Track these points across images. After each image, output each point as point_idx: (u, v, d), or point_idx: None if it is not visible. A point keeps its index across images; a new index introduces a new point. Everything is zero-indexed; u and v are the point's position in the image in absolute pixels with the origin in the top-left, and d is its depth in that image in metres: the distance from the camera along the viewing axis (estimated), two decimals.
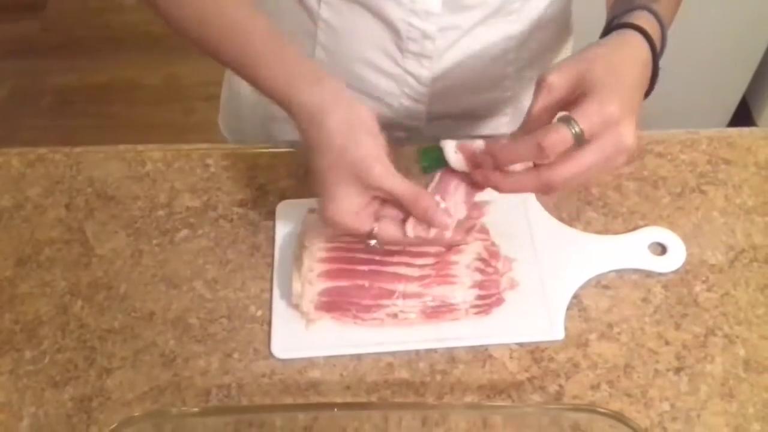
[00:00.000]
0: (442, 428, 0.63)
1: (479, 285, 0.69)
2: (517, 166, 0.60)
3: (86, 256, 0.74)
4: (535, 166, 0.58)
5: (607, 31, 0.65)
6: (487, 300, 0.69)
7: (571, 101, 0.58)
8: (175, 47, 2.21)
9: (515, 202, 0.75)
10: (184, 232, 0.76)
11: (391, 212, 0.64)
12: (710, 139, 0.83)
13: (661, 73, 0.64)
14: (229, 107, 1.00)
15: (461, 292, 0.69)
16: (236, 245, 0.75)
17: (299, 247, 0.72)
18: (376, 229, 0.62)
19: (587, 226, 0.76)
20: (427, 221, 0.62)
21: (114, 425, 0.58)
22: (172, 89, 2.22)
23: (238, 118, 0.97)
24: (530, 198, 0.76)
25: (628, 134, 0.57)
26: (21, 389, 0.66)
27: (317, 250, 0.70)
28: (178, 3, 0.67)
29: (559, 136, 0.55)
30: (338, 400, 0.65)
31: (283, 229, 0.75)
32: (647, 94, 0.63)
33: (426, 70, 0.80)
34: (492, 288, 0.70)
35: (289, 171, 0.80)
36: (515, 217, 0.75)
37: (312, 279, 0.69)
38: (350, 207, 0.61)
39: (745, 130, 0.85)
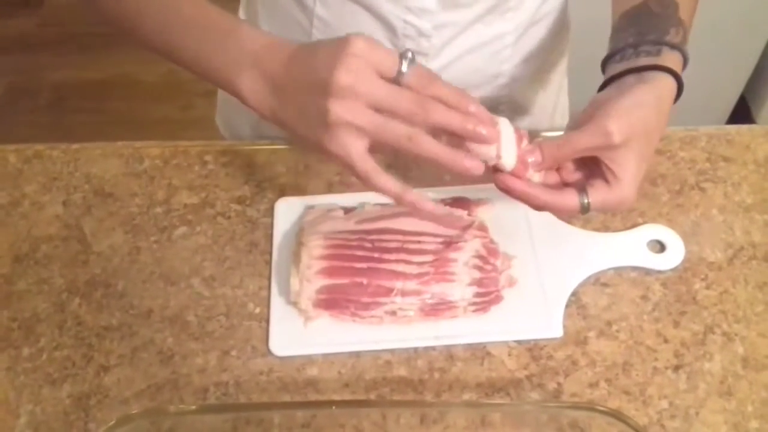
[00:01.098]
0: (441, 426, 0.63)
1: (478, 282, 0.69)
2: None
3: (84, 254, 0.74)
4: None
5: (626, 51, 0.64)
6: (486, 297, 0.69)
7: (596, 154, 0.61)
8: None
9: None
10: (182, 229, 0.76)
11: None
12: (709, 137, 0.83)
13: None
14: (225, 105, 0.99)
15: (460, 290, 0.69)
16: (234, 242, 0.75)
17: (297, 244, 0.71)
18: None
19: (586, 224, 0.76)
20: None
21: (111, 423, 0.58)
22: (171, 85, 2.21)
23: (233, 116, 0.97)
24: None
25: (633, 198, 0.61)
26: (18, 387, 0.66)
27: (315, 247, 0.70)
28: None
29: (570, 205, 0.61)
30: (336, 397, 0.65)
31: (281, 226, 0.75)
32: None
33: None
34: (491, 285, 0.70)
35: (287, 168, 0.80)
36: (514, 214, 0.74)
37: (310, 276, 0.69)
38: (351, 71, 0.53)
39: (744, 127, 0.85)
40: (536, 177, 0.62)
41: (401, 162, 0.75)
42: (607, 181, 0.61)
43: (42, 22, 2.39)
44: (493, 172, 0.61)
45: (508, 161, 0.59)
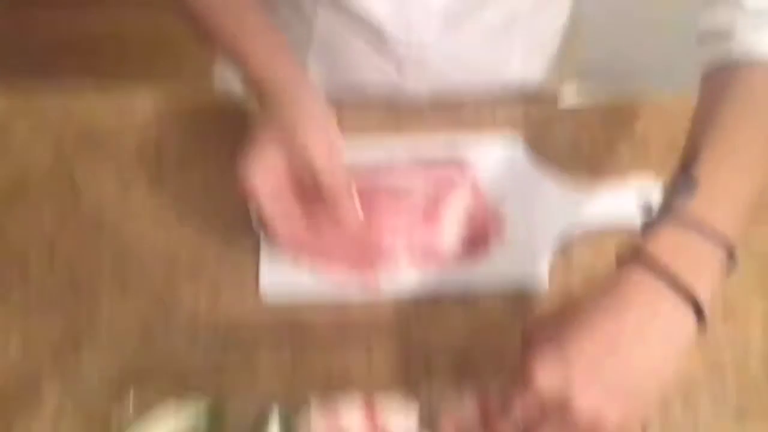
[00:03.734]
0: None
1: (466, 234, 0.70)
2: None
3: (74, 196, 0.74)
4: None
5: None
6: (474, 248, 0.70)
7: None
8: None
9: (504, 154, 0.75)
10: (175, 175, 0.76)
11: (294, 210, 0.65)
12: None
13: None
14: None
15: (448, 240, 0.70)
16: (227, 189, 0.75)
17: None
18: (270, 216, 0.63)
19: (577, 182, 0.76)
20: (334, 210, 0.64)
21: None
22: (162, 41, 2.19)
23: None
24: (519, 152, 0.76)
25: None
26: (8, 325, 0.67)
27: None
28: None
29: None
30: (326, 340, 0.66)
31: None
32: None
33: (424, 85, 0.80)
34: (479, 237, 0.70)
35: None
36: (504, 169, 0.75)
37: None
38: (260, 161, 0.62)
39: None
40: None
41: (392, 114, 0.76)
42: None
43: None
44: None
45: None
